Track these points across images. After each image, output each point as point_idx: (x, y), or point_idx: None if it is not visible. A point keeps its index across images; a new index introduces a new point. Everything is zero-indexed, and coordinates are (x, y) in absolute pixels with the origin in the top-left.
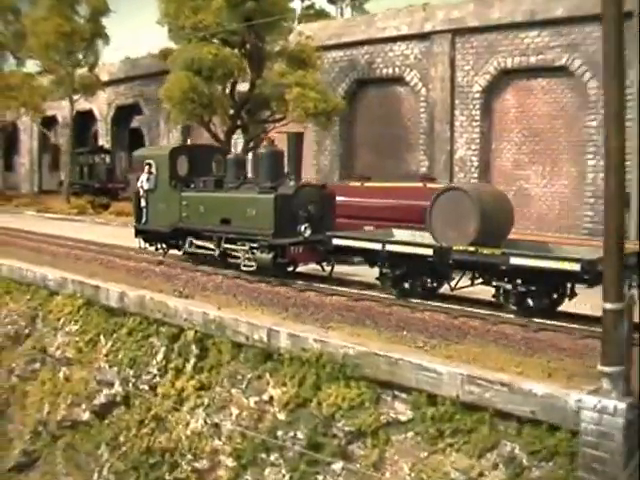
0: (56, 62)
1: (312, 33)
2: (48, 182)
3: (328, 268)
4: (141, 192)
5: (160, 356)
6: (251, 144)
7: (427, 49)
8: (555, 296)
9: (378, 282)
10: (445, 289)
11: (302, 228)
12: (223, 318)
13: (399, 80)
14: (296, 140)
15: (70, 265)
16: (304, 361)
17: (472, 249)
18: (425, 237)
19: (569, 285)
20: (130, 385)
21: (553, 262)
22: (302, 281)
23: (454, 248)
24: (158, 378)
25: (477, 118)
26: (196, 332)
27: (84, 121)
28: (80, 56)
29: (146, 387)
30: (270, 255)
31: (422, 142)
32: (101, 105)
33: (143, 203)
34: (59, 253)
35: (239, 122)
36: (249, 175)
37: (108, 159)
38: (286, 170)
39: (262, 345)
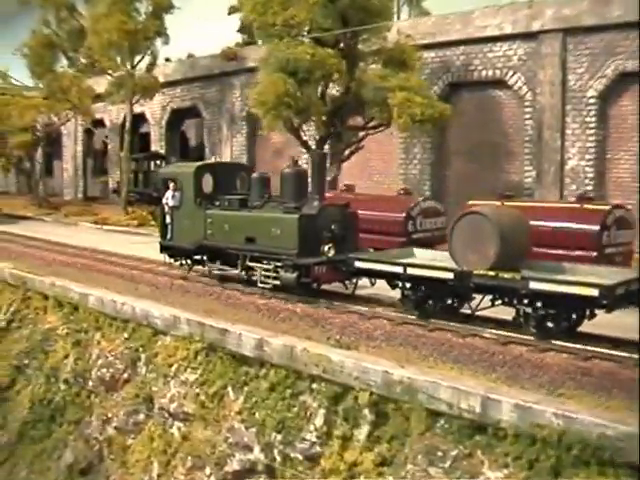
0: (116, 62)
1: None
2: (91, 188)
3: (351, 286)
4: (166, 209)
5: (319, 420)
6: (346, 153)
7: (534, 50)
8: (575, 318)
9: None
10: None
11: (326, 248)
12: (414, 380)
13: (499, 83)
14: (320, 160)
15: (178, 299)
16: (536, 439)
17: (492, 273)
18: (445, 258)
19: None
20: (276, 452)
21: (571, 287)
22: (499, 331)
23: (475, 272)
24: (318, 447)
25: (592, 125)
26: (371, 394)
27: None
28: (140, 56)
29: (300, 457)
30: (294, 274)
31: (527, 151)
32: (154, 108)
33: (168, 220)
34: (159, 283)
35: (332, 129)
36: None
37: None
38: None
39: (471, 416)
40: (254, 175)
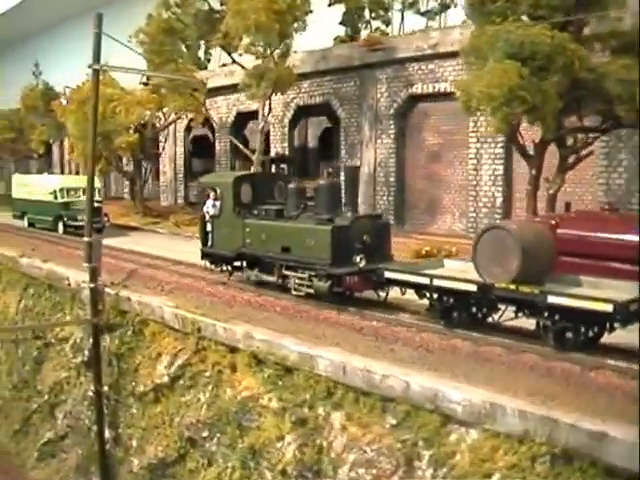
0: (257, 50)
1: None
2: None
3: (382, 294)
4: (207, 217)
5: None
6: (570, 159)
7: None
8: (595, 330)
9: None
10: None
11: (357, 258)
12: None
13: None
14: (352, 173)
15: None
16: None
17: (513, 287)
18: (471, 270)
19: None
20: None
21: (587, 302)
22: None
23: (496, 285)
24: None
25: None
26: None
27: (240, 124)
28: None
29: None
30: (327, 284)
31: None
32: (274, 104)
33: (209, 228)
34: (425, 342)
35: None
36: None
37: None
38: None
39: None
40: (291, 186)
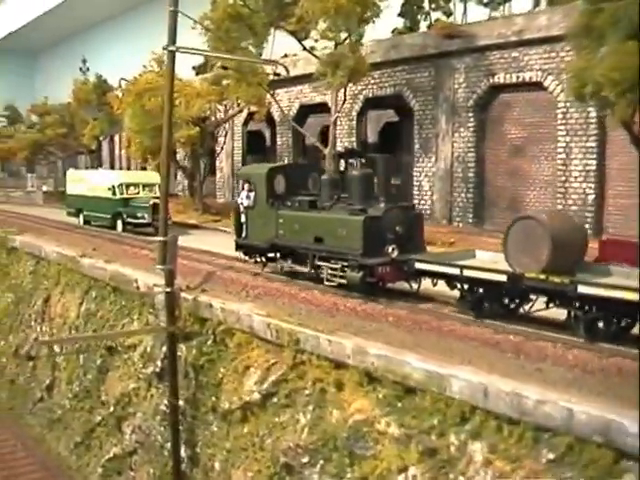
0: (335, 35)
1: None
2: None
3: (415, 285)
4: (241, 209)
5: None
6: None
7: None
8: (628, 321)
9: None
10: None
11: (390, 249)
12: None
13: None
14: (385, 163)
15: None
16: None
17: (543, 276)
18: (502, 260)
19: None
20: None
21: (616, 291)
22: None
23: (526, 275)
24: None
25: None
26: None
27: (300, 117)
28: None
29: None
30: (360, 274)
31: None
32: (341, 96)
33: (243, 219)
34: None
35: None
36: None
37: (356, 165)
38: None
39: None
40: (324, 177)
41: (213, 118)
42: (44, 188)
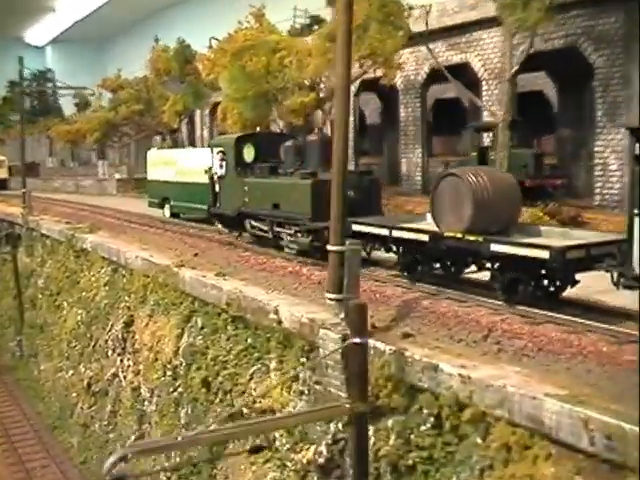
0: None
1: None
2: None
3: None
4: (215, 178)
5: None
6: None
7: None
8: (555, 284)
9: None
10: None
11: None
12: None
13: None
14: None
15: None
16: None
17: (459, 235)
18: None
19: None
20: None
21: (525, 249)
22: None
23: (445, 234)
24: None
25: None
26: None
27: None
28: None
29: None
30: (308, 239)
31: None
32: (488, 53)
33: (217, 188)
34: None
35: None
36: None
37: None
38: None
39: None
40: (287, 144)
41: (322, 86)
42: (117, 176)
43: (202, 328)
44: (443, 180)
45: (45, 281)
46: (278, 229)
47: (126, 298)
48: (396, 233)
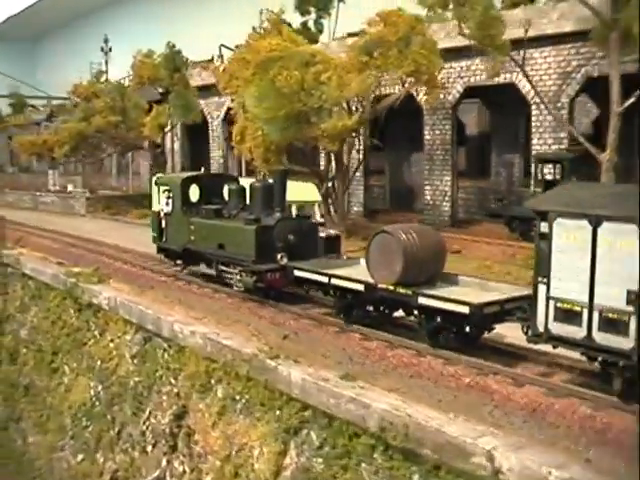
0: None
1: None
2: (370, 199)
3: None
4: (161, 214)
5: None
6: None
7: None
8: (473, 331)
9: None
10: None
11: (279, 256)
12: None
13: None
14: (281, 176)
15: None
16: None
17: (392, 288)
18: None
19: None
20: None
21: (448, 304)
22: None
23: (379, 286)
24: None
25: None
26: None
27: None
28: None
29: None
30: (252, 279)
31: None
32: (541, 74)
33: (164, 224)
34: None
35: None
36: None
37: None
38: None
39: None
40: (231, 186)
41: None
42: (70, 187)
43: (320, 447)
44: (377, 235)
45: (30, 333)
46: (223, 267)
47: (172, 381)
48: (334, 281)
